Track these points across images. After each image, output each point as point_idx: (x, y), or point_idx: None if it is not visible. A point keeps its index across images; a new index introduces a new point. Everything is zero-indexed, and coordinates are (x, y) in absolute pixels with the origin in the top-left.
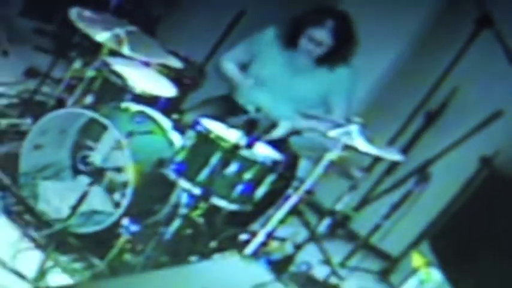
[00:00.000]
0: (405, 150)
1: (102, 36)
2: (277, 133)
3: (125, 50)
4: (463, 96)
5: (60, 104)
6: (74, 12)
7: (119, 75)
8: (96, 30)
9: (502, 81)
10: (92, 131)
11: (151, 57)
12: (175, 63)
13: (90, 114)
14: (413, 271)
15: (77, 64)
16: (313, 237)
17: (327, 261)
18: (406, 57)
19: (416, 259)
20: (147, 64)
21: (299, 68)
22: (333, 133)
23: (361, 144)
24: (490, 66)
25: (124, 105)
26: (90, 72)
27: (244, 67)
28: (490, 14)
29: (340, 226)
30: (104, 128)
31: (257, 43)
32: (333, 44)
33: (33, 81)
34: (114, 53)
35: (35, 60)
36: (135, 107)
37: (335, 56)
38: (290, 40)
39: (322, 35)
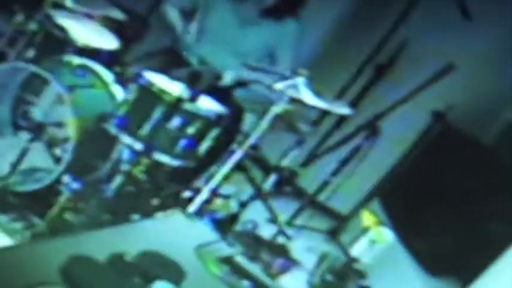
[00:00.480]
0: (354, 103)
1: None
2: (221, 83)
3: (68, 2)
4: (413, 49)
5: (1, 58)
6: None
7: (61, 28)
8: None
9: (453, 33)
10: (33, 85)
11: (94, 9)
12: (118, 14)
13: (31, 68)
14: (364, 230)
15: (19, 17)
16: (259, 195)
17: (273, 220)
18: (355, 7)
19: (366, 218)
20: (89, 16)
21: (245, 19)
22: (278, 86)
23: (307, 97)
24: (441, 18)
25: (66, 58)
26: (32, 26)
27: (189, 14)
28: None
29: (287, 183)
30: (46, 82)
31: None
32: None
33: None
34: (57, 6)
35: None
36: (77, 61)
37: (284, 6)
38: None
39: None
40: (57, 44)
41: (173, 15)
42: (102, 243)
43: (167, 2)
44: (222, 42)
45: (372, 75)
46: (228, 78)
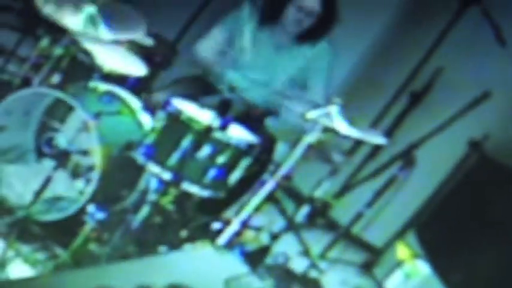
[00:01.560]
0: (389, 132)
1: (73, 22)
2: (251, 112)
3: (100, 32)
4: (449, 76)
5: (26, 83)
6: None
7: (87, 53)
8: (66, 11)
9: (489, 61)
10: (58, 111)
11: (122, 35)
12: (146, 40)
13: (56, 94)
14: (399, 263)
15: (44, 42)
16: (291, 227)
17: (305, 253)
18: (390, 34)
19: (401, 250)
20: (116, 41)
21: (279, 45)
22: (311, 114)
23: (341, 126)
24: (477, 45)
25: (92, 84)
26: (57, 50)
27: (222, 52)
28: None
29: (320, 214)
30: (71, 108)
31: (233, 22)
32: (321, 13)
33: None
34: None
35: (1, 37)
36: (103, 87)
37: (319, 29)
38: (272, 13)
39: (311, 2)
40: (83, 69)
41: (206, 59)
42: (127, 276)
43: (198, 45)
44: (255, 70)
45: (407, 103)
46: (256, 108)
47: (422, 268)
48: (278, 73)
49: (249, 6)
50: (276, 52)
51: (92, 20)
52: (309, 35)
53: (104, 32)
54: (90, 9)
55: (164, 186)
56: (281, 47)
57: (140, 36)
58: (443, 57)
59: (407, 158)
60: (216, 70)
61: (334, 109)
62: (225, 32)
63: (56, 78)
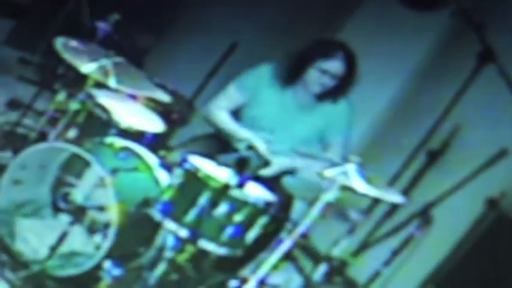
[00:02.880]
0: (406, 191)
1: (88, 67)
2: (270, 171)
3: (111, 82)
4: (466, 135)
5: (42, 137)
6: (59, 42)
7: (103, 109)
8: (82, 61)
9: (506, 119)
10: (74, 166)
11: (138, 90)
12: (163, 96)
13: (72, 149)
14: None
15: (61, 96)
16: (308, 285)
17: None
18: (406, 93)
19: None
20: (133, 97)
21: (299, 105)
22: (328, 172)
23: (359, 184)
24: (494, 103)
25: (108, 140)
26: (74, 105)
27: (236, 111)
28: (492, 47)
29: (337, 273)
30: (87, 164)
31: (251, 81)
32: (343, 75)
33: (15, 112)
34: (100, 85)
35: (18, 90)
36: (120, 143)
37: (340, 89)
38: (294, 75)
39: (336, 66)
40: (99, 124)
41: (223, 119)
42: None
43: (212, 104)
44: (274, 130)
45: (424, 161)
46: (276, 167)
47: None
48: (298, 131)
49: (268, 66)
50: (298, 111)
51: (104, 70)
52: (330, 95)
53: (113, 82)
54: (105, 61)
55: (181, 244)
56: (303, 107)
57: (156, 92)
58: (460, 115)
59: (424, 216)
60: (231, 130)
61: (352, 167)
62: (244, 90)
63: (72, 133)
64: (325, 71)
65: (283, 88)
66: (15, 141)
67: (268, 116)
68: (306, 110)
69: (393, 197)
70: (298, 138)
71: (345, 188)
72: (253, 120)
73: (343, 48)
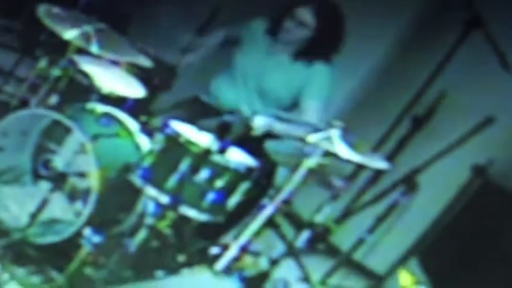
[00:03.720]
0: (391, 157)
1: (70, 33)
2: (254, 132)
3: (94, 48)
4: (452, 101)
5: (23, 104)
6: (41, 9)
7: (85, 75)
8: (64, 27)
9: (493, 86)
10: (55, 133)
11: (120, 56)
12: (145, 62)
13: (53, 115)
14: None
15: (43, 63)
16: (291, 252)
17: (305, 279)
18: (391, 58)
19: (404, 277)
20: (115, 63)
21: (276, 61)
22: (311, 138)
23: (342, 150)
24: (481, 69)
25: (90, 106)
26: (55, 71)
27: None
28: (479, 14)
29: (320, 240)
30: (68, 130)
31: (243, 30)
32: (316, 27)
33: None
34: (82, 52)
35: (0, 58)
36: (101, 108)
37: (314, 47)
38: (274, 24)
39: (304, 13)
40: (81, 90)
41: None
42: None
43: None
44: (250, 86)
45: (409, 127)
46: (259, 125)
47: None
48: (276, 90)
49: (261, 22)
50: (270, 69)
51: (86, 37)
52: (305, 52)
53: (95, 48)
54: (87, 27)
55: (162, 210)
56: (279, 63)
57: (138, 58)
58: (447, 81)
59: (409, 183)
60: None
61: (335, 133)
62: (234, 30)
63: (53, 100)
64: (296, 18)
65: (265, 43)
66: None
67: (244, 70)
68: (282, 67)
69: (377, 163)
70: (272, 97)
71: (328, 154)
72: (233, 70)
73: (320, 0)
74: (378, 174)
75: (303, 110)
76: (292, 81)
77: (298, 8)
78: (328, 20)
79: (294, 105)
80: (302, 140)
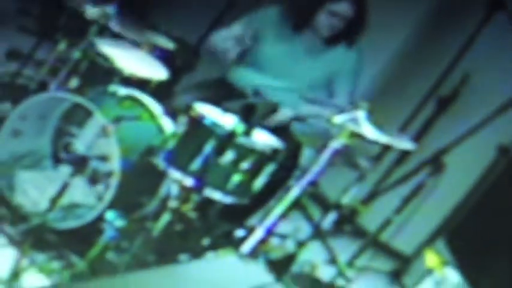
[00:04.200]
0: (417, 138)
1: (91, 11)
2: (277, 119)
3: (114, 26)
4: (476, 82)
5: (43, 87)
6: None
7: (106, 57)
8: (85, 6)
9: None
10: (76, 116)
11: (142, 37)
12: (168, 43)
13: (73, 98)
14: (428, 272)
15: (62, 45)
16: (318, 234)
17: (332, 261)
18: (416, 40)
19: (430, 258)
20: (136, 45)
21: (307, 49)
22: (338, 119)
23: (368, 131)
24: (505, 50)
25: (111, 88)
26: (75, 54)
27: (241, 44)
28: None
29: (347, 221)
30: (89, 113)
31: (259, 21)
32: (352, 17)
33: (15, 63)
34: (102, 34)
35: (18, 41)
36: (123, 91)
37: (349, 33)
38: (303, 18)
39: (344, 7)
40: (101, 73)
41: (218, 40)
42: (146, 286)
43: (217, 31)
44: (280, 73)
45: (434, 108)
46: (283, 116)
47: (453, 276)
48: (306, 76)
49: (277, 9)
50: (306, 56)
51: (106, 15)
52: (339, 39)
53: (115, 26)
54: (109, 7)
55: (186, 193)
56: (311, 51)
57: (161, 39)
58: (471, 62)
59: (436, 164)
60: (231, 57)
61: (361, 114)
62: (248, 26)
63: (73, 83)
64: (334, 12)
65: (291, 32)
66: (15, 92)
67: (274, 60)
68: (314, 54)
69: (403, 143)
70: (305, 83)
71: (354, 135)
72: (258, 63)
73: None
74: (404, 155)
75: (335, 93)
76: (325, 65)
77: (334, 4)
78: (362, 7)
79: (325, 86)
80: (328, 121)
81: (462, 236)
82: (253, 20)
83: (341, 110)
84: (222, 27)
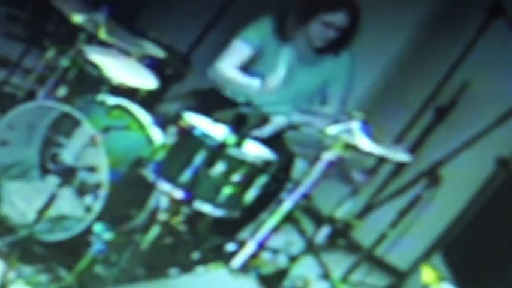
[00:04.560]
0: (413, 149)
1: (79, 18)
2: (268, 129)
3: (102, 34)
4: (475, 91)
5: (31, 96)
6: None
7: (95, 65)
8: (73, 12)
9: None
10: (64, 126)
11: (131, 45)
12: (157, 52)
13: (62, 107)
14: (424, 287)
15: (50, 53)
16: (310, 248)
17: (325, 276)
18: (412, 48)
19: (427, 273)
20: (126, 53)
21: (300, 59)
22: (331, 130)
23: (363, 142)
24: (504, 59)
25: (100, 98)
26: (64, 62)
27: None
28: (501, 2)
29: (341, 235)
30: (77, 123)
31: (255, 34)
32: (347, 27)
33: (2, 70)
34: (91, 41)
35: (6, 48)
36: (112, 100)
37: (343, 42)
38: (295, 28)
39: (340, 18)
40: (90, 82)
41: (232, 74)
42: None
43: (220, 63)
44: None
45: (432, 118)
46: (274, 126)
47: None
48: (299, 86)
49: (268, 21)
50: (299, 66)
51: (95, 23)
52: (333, 48)
53: (103, 34)
54: (97, 14)
55: (175, 205)
56: (305, 61)
57: (150, 48)
58: (469, 71)
59: (432, 176)
60: (245, 90)
61: (355, 124)
62: (250, 44)
63: (62, 91)
64: (329, 24)
65: (284, 41)
66: (3, 101)
67: (270, 72)
68: (308, 64)
69: (399, 155)
70: (301, 93)
71: (349, 146)
72: (256, 76)
73: (346, 1)
74: (400, 167)
75: (327, 98)
76: (319, 74)
77: (329, 15)
78: (358, 18)
79: (318, 94)
80: (322, 131)
81: (459, 251)
82: (252, 38)
83: (335, 121)
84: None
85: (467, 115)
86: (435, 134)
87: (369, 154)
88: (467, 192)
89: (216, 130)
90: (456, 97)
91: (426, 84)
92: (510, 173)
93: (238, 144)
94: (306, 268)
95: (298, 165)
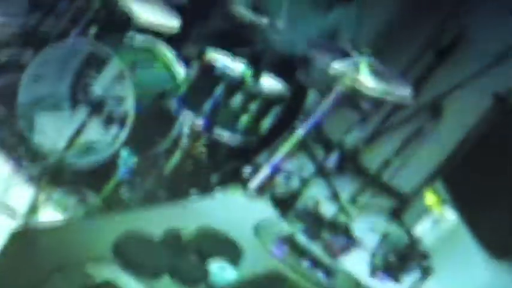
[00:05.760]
0: (415, 87)
1: None
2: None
3: None
4: (474, 32)
5: (63, 35)
6: None
7: (124, 6)
8: None
9: None
10: (94, 62)
11: None
12: None
13: (92, 45)
14: (427, 210)
15: None
16: (321, 172)
17: (335, 198)
18: None
19: (429, 197)
20: None
21: (317, 2)
22: (338, 64)
23: (366, 79)
24: (502, 1)
25: (128, 36)
26: (94, 3)
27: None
28: None
29: (349, 160)
30: (107, 59)
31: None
32: None
33: (37, 13)
34: None
35: None
36: (139, 38)
37: None
38: None
39: None
40: (119, 21)
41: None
42: (157, 220)
43: None
44: (293, 26)
45: (432, 59)
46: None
47: (450, 215)
48: (311, 27)
49: None
50: (312, 10)
51: None
52: None
53: None
54: None
55: (196, 133)
56: (318, 6)
57: None
58: (469, 14)
59: (434, 107)
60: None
61: (362, 60)
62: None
63: (92, 31)
64: None
65: None
66: (37, 40)
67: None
68: (320, 11)
69: (401, 90)
70: (315, 33)
71: (355, 81)
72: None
73: None
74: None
75: (337, 39)
76: (332, 20)
77: None
78: None
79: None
80: (332, 65)
81: (460, 177)
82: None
83: (345, 54)
84: None
85: (466, 55)
86: (436, 75)
87: (372, 90)
88: (467, 125)
89: (235, 65)
90: (455, 39)
91: (428, 26)
92: (506, 108)
93: (255, 78)
94: (317, 190)
95: (311, 96)
